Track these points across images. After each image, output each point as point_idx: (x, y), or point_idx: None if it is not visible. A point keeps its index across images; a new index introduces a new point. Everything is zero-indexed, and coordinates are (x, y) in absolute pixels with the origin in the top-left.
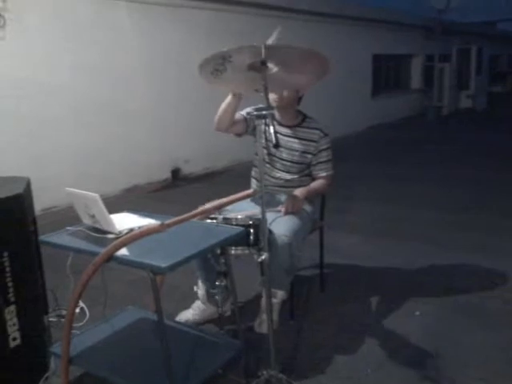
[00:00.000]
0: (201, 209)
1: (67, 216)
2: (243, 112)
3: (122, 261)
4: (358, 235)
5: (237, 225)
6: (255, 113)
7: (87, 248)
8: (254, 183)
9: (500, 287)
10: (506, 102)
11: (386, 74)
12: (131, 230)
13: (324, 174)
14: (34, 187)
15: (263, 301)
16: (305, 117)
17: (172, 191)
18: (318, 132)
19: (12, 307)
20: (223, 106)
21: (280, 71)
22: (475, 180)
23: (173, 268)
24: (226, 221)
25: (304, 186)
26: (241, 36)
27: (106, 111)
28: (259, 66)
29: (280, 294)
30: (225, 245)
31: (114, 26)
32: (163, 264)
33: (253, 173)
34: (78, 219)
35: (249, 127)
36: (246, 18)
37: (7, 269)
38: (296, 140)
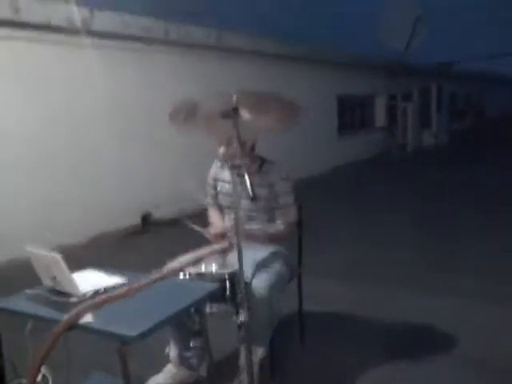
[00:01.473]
0: (169, 267)
1: (24, 273)
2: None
3: (86, 329)
4: (333, 279)
5: (212, 280)
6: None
7: (47, 315)
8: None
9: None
10: (465, 139)
11: (351, 115)
12: (96, 291)
13: (287, 219)
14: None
15: (241, 360)
16: (263, 161)
17: (142, 238)
18: (275, 177)
19: None
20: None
21: (252, 117)
22: (444, 216)
23: (144, 337)
24: (200, 276)
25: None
26: (206, 79)
27: (68, 156)
28: (231, 113)
29: (259, 352)
30: (200, 304)
31: (75, 70)
32: (133, 333)
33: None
34: (36, 277)
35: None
36: (210, 61)
37: None
38: (262, 188)
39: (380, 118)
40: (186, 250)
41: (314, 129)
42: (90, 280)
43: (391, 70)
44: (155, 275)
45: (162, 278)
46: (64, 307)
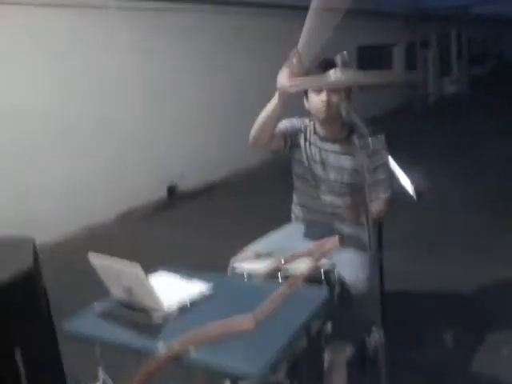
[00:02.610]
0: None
1: (62, 256)
2: (280, 125)
3: (192, 364)
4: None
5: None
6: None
7: (131, 341)
8: (297, 210)
9: None
10: (486, 85)
11: (370, 66)
12: (182, 304)
13: (382, 196)
14: (19, 224)
15: (327, 360)
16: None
17: (170, 212)
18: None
19: None
20: (264, 114)
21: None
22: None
23: (265, 372)
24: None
25: (356, 209)
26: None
27: (88, 130)
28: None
29: (348, 350)
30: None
31: (103, 41)
32: (253, 369)
33: (294, 198)
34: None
35: (286, 143)
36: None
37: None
38: (347, 157)
39: (399, 67)
40: (215, 222)
41: None
42: (168, 289)
43: (407, 16)
44: (280, 289)
45: (290, 288)
46: (149, 329)
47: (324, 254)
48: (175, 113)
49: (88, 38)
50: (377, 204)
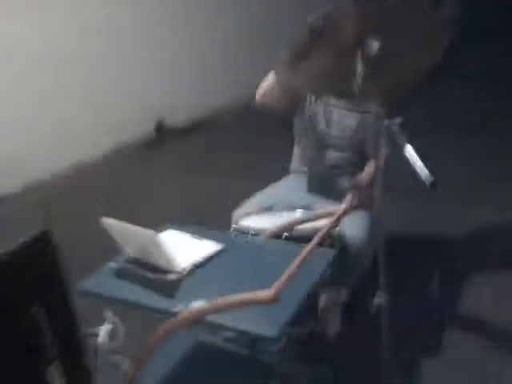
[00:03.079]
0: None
1: (57, 192)
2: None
3: (211, 326)
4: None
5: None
6: None
7: (148, 301)
8: (298, 164)
9: None
10: None
11: None
12: (195, 264)
13: (384, 152)
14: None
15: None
16: None
17: (160, 149)
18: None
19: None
20: (270, 80)
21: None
22: None
23: (281, 335)
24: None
25: (356, 166)
26: None
27: (76, 60)
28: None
29: (343, 295)
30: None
31: None
32: (272, 332)
33: (296, 151)
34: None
35: (296, 99)
36: None
37: (45, 329)
38: (350, 113)
39: None
40: (207, 157)
41: None
42: (180, 248)
43: None
44: (300, 256)
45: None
46: (165, 289)
47: (340, 217)
48: (162, 46)
49: None
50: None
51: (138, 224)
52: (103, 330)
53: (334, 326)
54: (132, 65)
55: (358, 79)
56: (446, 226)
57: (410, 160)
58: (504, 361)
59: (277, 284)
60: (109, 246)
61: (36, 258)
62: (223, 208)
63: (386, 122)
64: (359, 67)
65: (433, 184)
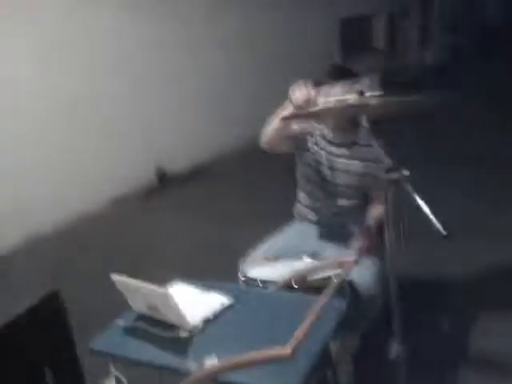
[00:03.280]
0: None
1: (57, 243)
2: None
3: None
4: None
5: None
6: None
7: (160, 359)
8: (303, 211)
9: None
10: (465, 54)
11: (353, 38)
12: (205, 318)
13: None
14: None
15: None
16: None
17: (162, 198)
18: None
19: None
20: (276, 120)
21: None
22: None
23: None
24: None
25: (361, 212)
26: None
27: (71, 118)
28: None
29: (353, 341)
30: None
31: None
32: None
33: (300, 198)
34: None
35: (296, 146)
36: None
37: None
38: (354, 162)
39: (378, 38)
40: (210, 205)
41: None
42: (189, 303)
43: None
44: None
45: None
46: (176, 347)
47: (349, 267)
48: (159, 95)
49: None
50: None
51: (144, 276)
52: None
53: (346, 373)
54: (132, 113)
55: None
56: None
57: (423, 209)
58: None
59: (293, 341)
60: (113, 301)
61: (46, 319)
62: (229, 257)
63: (394, 174)
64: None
65: (448, 235)
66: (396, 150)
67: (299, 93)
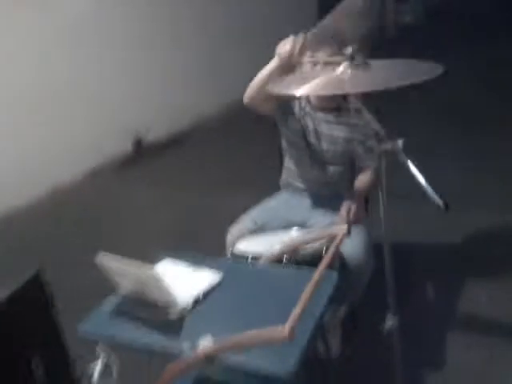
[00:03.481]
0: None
1: (30, 221)
2: None
3: (224, 366)
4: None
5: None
6: None
7: (152, 342)
8: (289, 178)
9: None
10: (441, 14)
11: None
12: (196, 297)
13: (372, 165)
14: None
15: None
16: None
17: (138, 168)
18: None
19: None
20: (261, 75)
21: None
22: None
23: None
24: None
25: (348, 179)
26: None
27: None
28: None
29: (342, 310)
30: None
31: None
32: (288, 367)
33: (286, 164)
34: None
35: (280, 108)
36: None
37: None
38: (340, 127)
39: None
40: (186, 175)
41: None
42: (178, 281)
43: None
44: (309, 287)
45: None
46: (167, 328)
47: (340, 240)
48: (134, 64)
49: None
50: (366, 174)
51: (127, 251)
52: (96, 370)
53: (336, 342)
54: (107, 84)
55: None
56: (443, 232)
57: (419, 181)
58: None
59: (290, 321)
60: (92, 278)
61: (29, 303)
62: (212, 229)
63: (388, 144)
64: None
65: (446, 207)
66: (389, 118)
67: (285, 45)
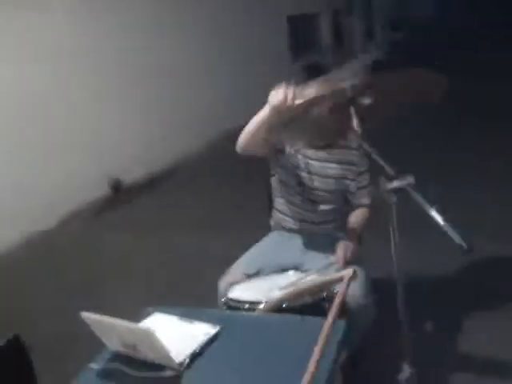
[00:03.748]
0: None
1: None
2: None
3: None
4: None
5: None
6: None
7: None
8: (279, 218)
9: None
10: (403, 50)
11: (301, 36)
12: (192, 355)
13: (366, 202)
14: None
15: None
16: None
17: (117, 211)
18: (355, 152)
19: None
20: (258, 120)
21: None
22: None
23: None
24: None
25: (341, 218)
26: None
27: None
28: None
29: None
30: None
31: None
32: None
33: (276, 204)
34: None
35: (272, 150)
36: None
37: None
38: (332, 165)
39: (326, 37)
40: (165, 216)
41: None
42: (172, 338)
43: None
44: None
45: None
46: None
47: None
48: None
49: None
50: (360, 211)
51: (107, 300)
52: None
53: None
54: (83, 125)
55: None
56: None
57: (438, 222)
58: None
59: (306, 380)
60: (69, 329)
61: (9, 362)
62: (198, 272)
63: (397, 182)
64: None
65: (470, 249)
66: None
67: (277, 94)
